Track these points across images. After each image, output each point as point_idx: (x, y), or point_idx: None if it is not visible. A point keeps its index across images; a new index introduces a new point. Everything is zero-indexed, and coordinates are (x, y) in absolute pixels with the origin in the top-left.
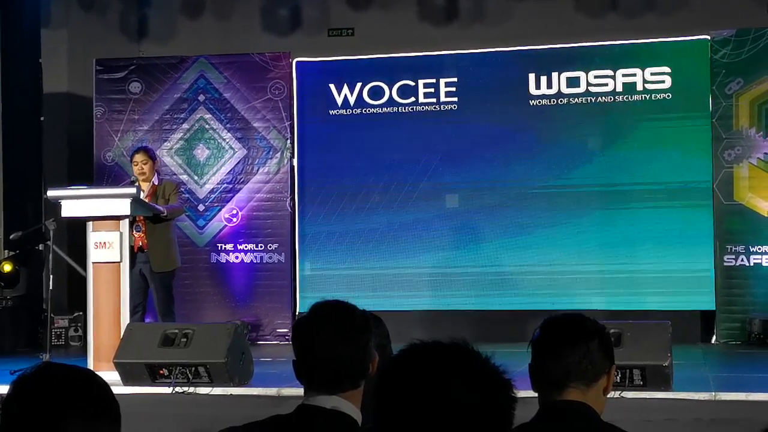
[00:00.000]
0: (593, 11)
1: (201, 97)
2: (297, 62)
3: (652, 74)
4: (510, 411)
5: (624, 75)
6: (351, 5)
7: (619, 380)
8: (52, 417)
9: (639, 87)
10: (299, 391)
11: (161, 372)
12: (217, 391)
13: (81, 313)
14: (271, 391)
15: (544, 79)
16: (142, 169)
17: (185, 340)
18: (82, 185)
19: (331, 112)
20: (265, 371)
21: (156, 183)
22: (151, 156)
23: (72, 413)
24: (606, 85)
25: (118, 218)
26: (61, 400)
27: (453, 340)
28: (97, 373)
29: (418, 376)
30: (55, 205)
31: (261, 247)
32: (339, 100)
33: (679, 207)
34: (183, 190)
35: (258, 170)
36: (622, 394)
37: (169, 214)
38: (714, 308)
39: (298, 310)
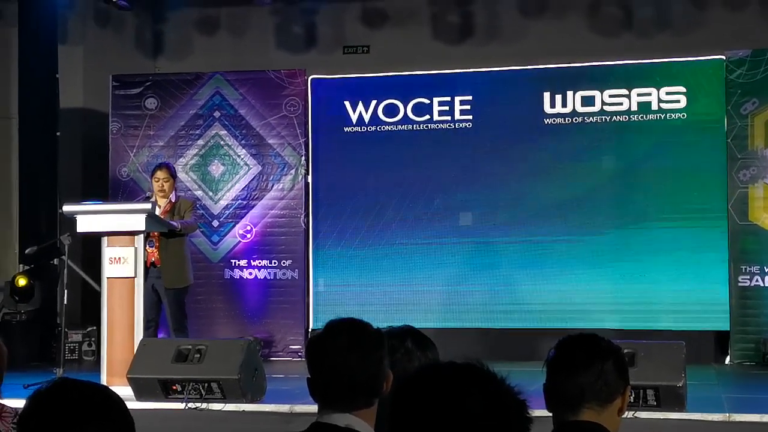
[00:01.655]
0: (608, 30)
1: (216, 114)
2: (312, 79)
3: (667, 94)
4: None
5: (639, 94)
6: (366, 23)
7: (632, 400)
8: None
9: (654, 106)
10: (312, 408)
11: (174, 387)
12: (230, 407)
13: (95, 327)
14: (284, 408)
15: (558, 97)
16: (163, 186)
17: (198, 355)
18: (97, 200)
19: (345, 129)
20: (278, 388)
21: (173, 200)
22: (173, 174)
23: (88, 429)
24: (621, 104)
25: (132, 234)
26: (77, 416)
27: (467, 360)
28: (111, 388)
29: (432, 396)
30: (71, 219)
31: (275, 263)
32: (354, 118)
33: (694, 227)
34: (198, 206)
35: (272, 186)
36: (635, 414)
37: (183, 229)
38: (728, 329)
39: (311, 327)
